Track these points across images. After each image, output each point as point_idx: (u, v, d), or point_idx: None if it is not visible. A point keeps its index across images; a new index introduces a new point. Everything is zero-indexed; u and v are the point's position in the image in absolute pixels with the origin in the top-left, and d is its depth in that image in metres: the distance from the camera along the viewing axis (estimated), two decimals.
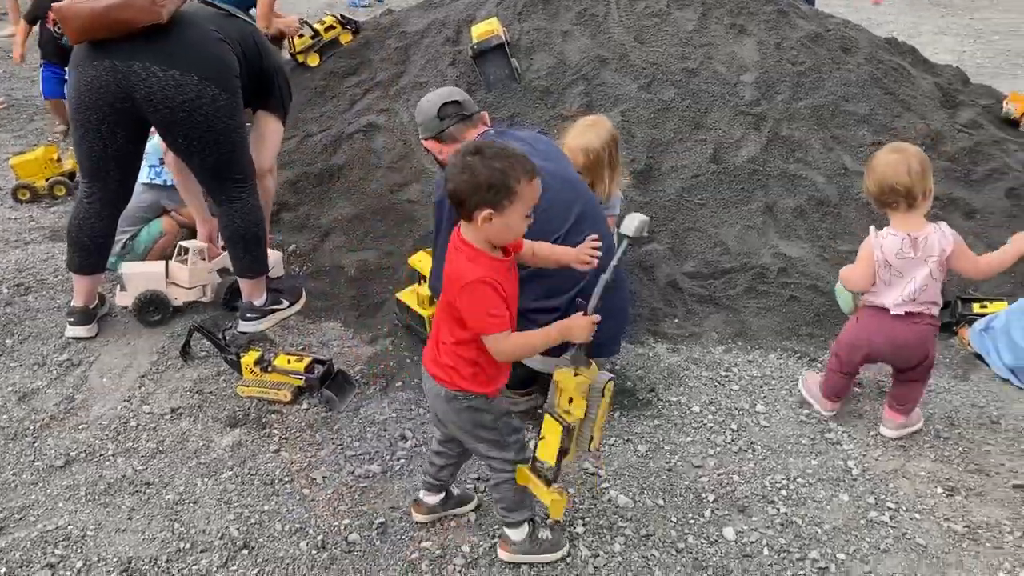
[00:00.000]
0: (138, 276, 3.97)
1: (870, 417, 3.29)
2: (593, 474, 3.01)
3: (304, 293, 4.10)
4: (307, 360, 3.46)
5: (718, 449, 3.13)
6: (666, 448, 3.13)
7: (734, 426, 3.24)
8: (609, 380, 2.44)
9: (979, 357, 3.63)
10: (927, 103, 5.00)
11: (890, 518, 2.79)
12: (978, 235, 4.28)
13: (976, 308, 3.81)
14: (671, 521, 2.79)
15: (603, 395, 2.43)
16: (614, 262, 2.50)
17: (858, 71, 4.98)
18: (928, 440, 3.17)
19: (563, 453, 2.43)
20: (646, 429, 3.24)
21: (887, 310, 2.99)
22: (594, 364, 2.49)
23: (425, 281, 3.61)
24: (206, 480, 3.03)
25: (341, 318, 3.98)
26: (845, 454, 3.09)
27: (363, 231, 4.45)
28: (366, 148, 4.84)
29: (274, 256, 4.26)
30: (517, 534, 2.65)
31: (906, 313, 2.98)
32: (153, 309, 3.96)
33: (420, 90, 5.01)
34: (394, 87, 5.20)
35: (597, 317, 2.40)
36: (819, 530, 2.75)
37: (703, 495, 2.90)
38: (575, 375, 2.45)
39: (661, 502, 2.88)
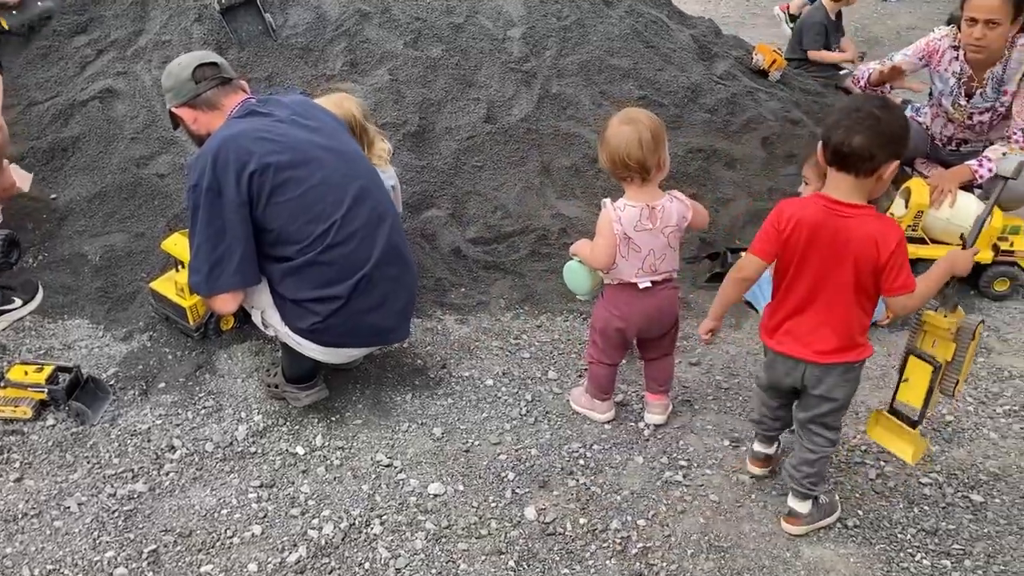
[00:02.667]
0: None
1: None
2: (388, 466, 2.83)
3: (40, 288, 3.58)
4: (49, 369, 3.01)
5: (514, 423, 3.05)
6: (462, 428, 3.01)
7: (528, 396, 3.17)
8: (980, 322, 2.49)
9: (749, 304, 3.78)
10: (685, 56, 5.13)
11: (684, 476, 2.83)
12: (740, 185, 4.45)
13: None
14: (472, 507, 2.68)
15: (973, 338, 2.43)
16: (993, 200, 2.56)
17: (620, 25, 5.01)
18: (711, 392, 3.26)
19: (930, 393, 2.48)
20: (440, 410, 3.10)
21: (634, 284, 2.82)
22: (960, 308, 2.50)
23: (183, 267, 3.24)
24: None
25: (88, 314, 3.51)
26: (635, 415, 3.11)
27: (106, 212, 3.94)
28: (104, 117, 4.28)
29: (23, 176, 3.91)
30: (806, 506, 2.63)
31: (652, 283, 2.83)
32: None
33: (163, 50, 4.50)
34: (132, 47, 4.63)
35: (977, 249, 2.50)
36: (618, 497, 2.74)
37: (503, 474, 2.81)
38: (945, 316, 2.46)
39: (461, 487, 2.76)
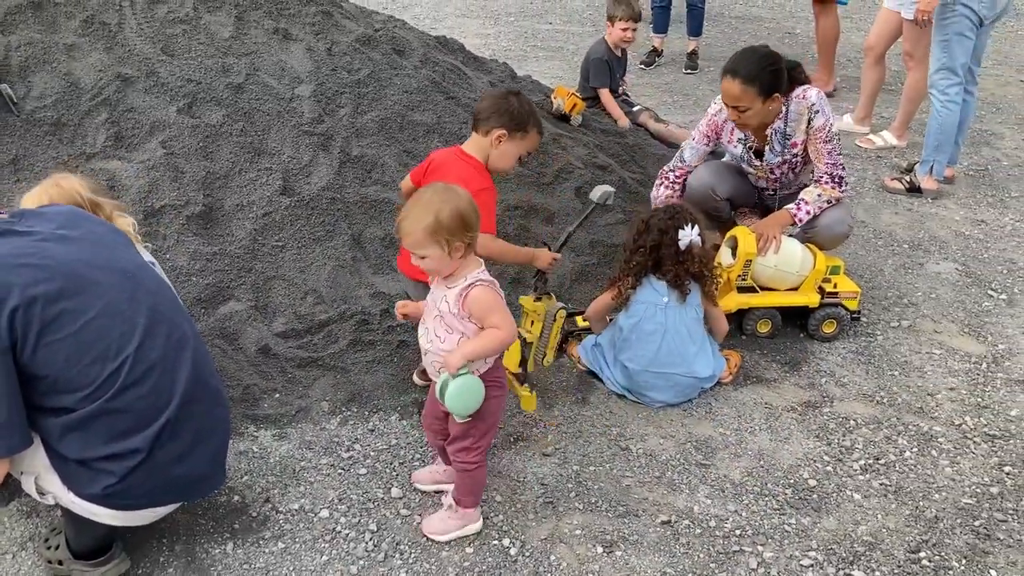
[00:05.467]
0: None
1: (508, 472, 3.02)
2: None
3: None
4: None
5: (361, 564, 2.62)
6: None
7: (373, 526, 2.75)
8: (560, 308, 3.22)
9: (593, 375, 3.56)
10: None
11: None
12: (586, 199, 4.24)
13: (580, 321, 3.75)
14: None
15: (555, 320, 3.20)
16: (579, 221, 3.41)
17: (417, 76, 4.69)
18: (572, 487, 2.98)
19: (523, 361, 3.21)
20: (270, 560, 2.61)
21: None
22: (552, 297, 3.26)
23: None
24: None
25: None
26: (498, 530, 2.77)
27: None
28: None
29: None
30: None
31: None
32: None
33: None
34: None
35: (559, 256, 3.30)
36: None
37: None
38: (535, 301, 3.20)
39: None
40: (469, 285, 2.46)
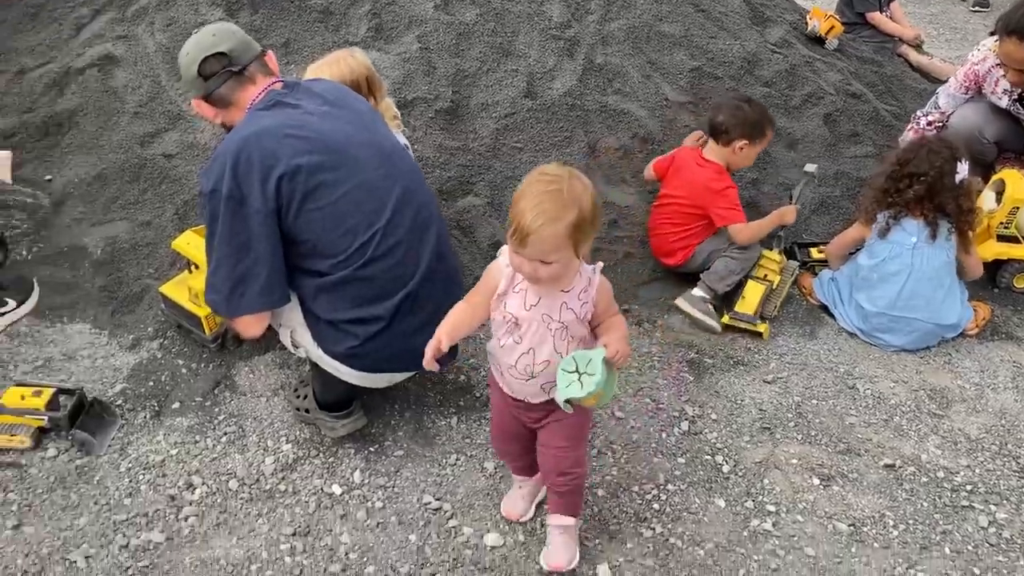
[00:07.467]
0: None
1: (725, 393, 2.99)
2: (437, 509, 2.49)
3: (36, 287, 3.20)
4: (48, 393, 2.64)
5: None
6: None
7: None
8: (799, 265, 3.53)
9: (826, 310, 3.42)
10: (739, 21, 4.68)
11: (773, 524, 2.49)
12: (801, 168, 4.05)
13: (815, 253, 3.60)
14: (536, 564, 2.34)
15: (792, 276, 3.44)
16: (799, 191, 3.59)
17: None
18: (791, 416, 2.91)
19: (760, 304, 3.26)
20: (489, 438, 2.75)
21: None
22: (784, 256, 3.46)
23: (197, 269, 2.88)
24: None
25: (90, 317, 3.13)
26: (711, 447, 2.76)
27: (109, 196, 3.54)
28: (104, 87, 3.86)
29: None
30: (699, 290, 3.32)
31: None
32: None
33: (166, 10, 4.07)
34: (133, 6, 4.18)
35: (799, 206, 3.55)
36: (702, 552, 2.40)
37: None
38: (780, 253, 3.42)
39: (522, 538, 2.42)
40: (588, 279, 2.04)
